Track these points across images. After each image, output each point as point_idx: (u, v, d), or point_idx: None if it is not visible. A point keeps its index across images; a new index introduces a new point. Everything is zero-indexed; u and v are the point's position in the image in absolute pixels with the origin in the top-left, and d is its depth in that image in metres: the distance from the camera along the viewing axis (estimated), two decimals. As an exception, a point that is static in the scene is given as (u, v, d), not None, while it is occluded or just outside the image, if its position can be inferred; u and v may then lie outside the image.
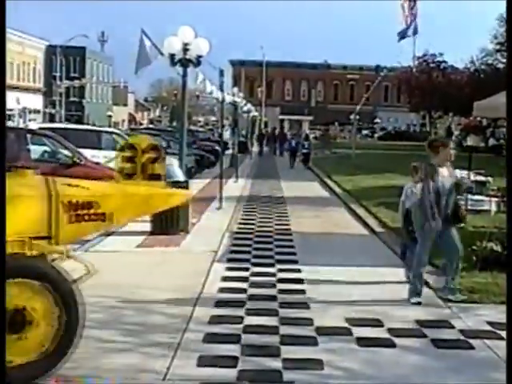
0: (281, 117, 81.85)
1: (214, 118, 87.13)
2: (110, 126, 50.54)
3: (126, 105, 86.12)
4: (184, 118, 12.14)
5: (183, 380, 4.62)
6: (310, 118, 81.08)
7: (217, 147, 29.86)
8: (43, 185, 4.55)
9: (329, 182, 22.33)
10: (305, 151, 32.56)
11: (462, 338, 5.73)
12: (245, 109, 34.71)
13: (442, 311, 6.58)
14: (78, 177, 13.03)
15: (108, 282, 7.10)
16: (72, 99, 68.37)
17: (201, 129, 58.31)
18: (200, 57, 11.51)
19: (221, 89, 16.41)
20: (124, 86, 79.43)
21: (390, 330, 5.87)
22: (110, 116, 74.49)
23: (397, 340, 5.61)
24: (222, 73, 16.06)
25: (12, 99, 48.79)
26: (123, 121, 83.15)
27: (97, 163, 13.55)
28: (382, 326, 6.02)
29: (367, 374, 4.84)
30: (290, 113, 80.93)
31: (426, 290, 7.25)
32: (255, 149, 43.91)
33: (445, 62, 53.34)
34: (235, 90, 27.97)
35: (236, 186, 20.44)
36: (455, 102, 45.13)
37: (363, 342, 5.53)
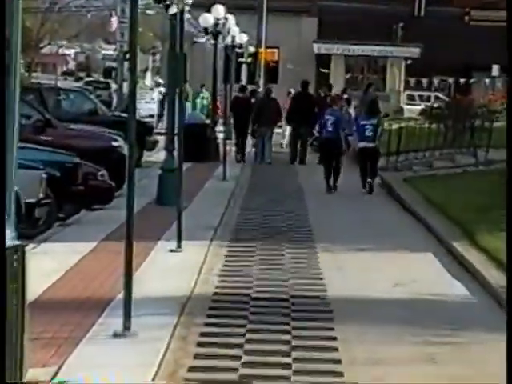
0: (319, 48, 70.99)
1: (109, 52, 73.07)
2: None
3: None
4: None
5: None
6: (417, 50, 68.21)
7: (117, 142, 22.05)
8: None
9: (469, 251, 16.75)
10: (366, 146, 24.27)
11: None
12: (209, 22, 27.55)
13: None
14: None
15: None
16: None
17: (74, 84, 49.14)
18: None
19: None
20: None
21: None
22: None
23: None
24: None
25: None
26: None
27: None
28: None
29: None
30: (350, 36, 67.50)
31: None
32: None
33: None
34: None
35: (178, 270, 14.40)
36: None
37: None
